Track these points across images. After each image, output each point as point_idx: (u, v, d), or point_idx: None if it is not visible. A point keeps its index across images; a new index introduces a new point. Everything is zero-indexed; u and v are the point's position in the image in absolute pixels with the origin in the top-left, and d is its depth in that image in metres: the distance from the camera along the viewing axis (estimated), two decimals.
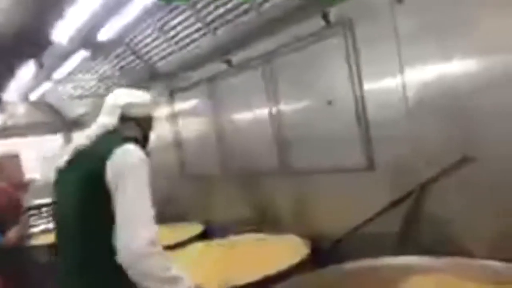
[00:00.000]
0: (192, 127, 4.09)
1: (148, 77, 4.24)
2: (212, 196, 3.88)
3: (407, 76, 2.22)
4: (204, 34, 3.36)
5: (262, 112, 3.18)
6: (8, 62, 4.90)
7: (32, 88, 5.94)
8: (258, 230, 3.22)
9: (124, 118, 1.82)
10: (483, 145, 1.98)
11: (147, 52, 4.00)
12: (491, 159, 1.95)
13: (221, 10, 3.08)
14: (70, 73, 5.01)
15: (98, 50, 4.21)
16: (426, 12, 2.11)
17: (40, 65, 4.81)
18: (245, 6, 2.92)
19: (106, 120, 1.79)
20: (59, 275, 1.73)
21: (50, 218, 4.76)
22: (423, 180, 2.20)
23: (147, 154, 1.68)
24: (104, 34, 3.76)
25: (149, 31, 3.71)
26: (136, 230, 1.49)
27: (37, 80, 5.28)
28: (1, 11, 3.96)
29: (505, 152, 1.89)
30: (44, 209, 5.38)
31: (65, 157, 1.73)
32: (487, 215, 2.00)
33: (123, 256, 1.48)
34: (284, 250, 2.68)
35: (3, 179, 3.70)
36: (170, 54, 3.82)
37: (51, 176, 1.81)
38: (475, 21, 1.94)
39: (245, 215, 3.47)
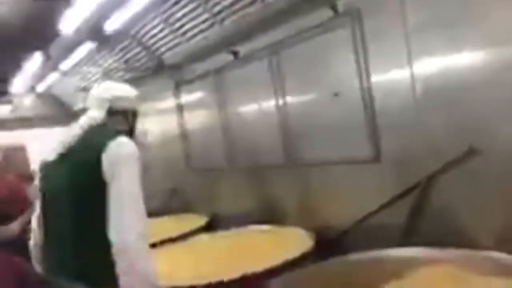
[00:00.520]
0: (198, 120, 4.09)
1: (154, 69, 4.24)
2: (217, 188, 3.89)
3: (415, 68, 2.20)
4: (211, 25, 3.34)
5: (269, 104, 3.17)
6: (15, 54, 4.91)
7: (38, 80, 5.98)
8: (263, 222, 3.22)
9: (111, 112, 1.83)
10: (491, 137, 1.96)
11: (153, 44, 3.99)
12: (498, 151, 1.94)
13: (228, 0, 3.06)
14: (75, 65, 5.03)
15: (104, 41, 4.22)
16: (435, 3, 2.09)
17: (47, 57, 4.83)
18: None
19: (95, 113, 1.80)
20: (49, 264, 1.74)
21: None
22: (430, 172, 2.19)
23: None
24: (110, 26, 3.77)
25: (155, 22, 3.70)
26: (129, 221, 1.51)
27: (44, 72, 5.30)
28: (8, 3, 3.98)
29: None
30: None
31: (55, 150, 1.73)
32: (493, 207, 1.99)
33: (115, 244, 1.50)
34: (288, 242, 2.69)
35: (10, 171, 3.70)
36: (176, 45, 3.81)
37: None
38: (483, 13, 1.92)
39: (250, 207, 3.47)
